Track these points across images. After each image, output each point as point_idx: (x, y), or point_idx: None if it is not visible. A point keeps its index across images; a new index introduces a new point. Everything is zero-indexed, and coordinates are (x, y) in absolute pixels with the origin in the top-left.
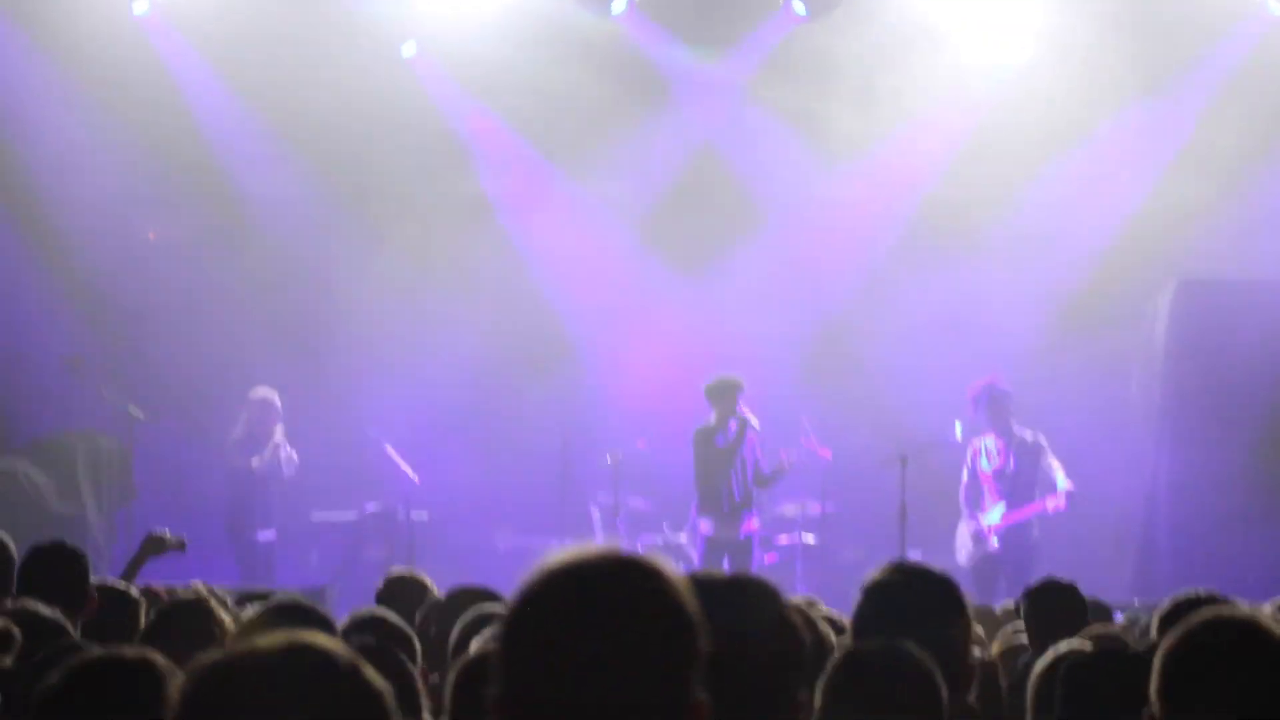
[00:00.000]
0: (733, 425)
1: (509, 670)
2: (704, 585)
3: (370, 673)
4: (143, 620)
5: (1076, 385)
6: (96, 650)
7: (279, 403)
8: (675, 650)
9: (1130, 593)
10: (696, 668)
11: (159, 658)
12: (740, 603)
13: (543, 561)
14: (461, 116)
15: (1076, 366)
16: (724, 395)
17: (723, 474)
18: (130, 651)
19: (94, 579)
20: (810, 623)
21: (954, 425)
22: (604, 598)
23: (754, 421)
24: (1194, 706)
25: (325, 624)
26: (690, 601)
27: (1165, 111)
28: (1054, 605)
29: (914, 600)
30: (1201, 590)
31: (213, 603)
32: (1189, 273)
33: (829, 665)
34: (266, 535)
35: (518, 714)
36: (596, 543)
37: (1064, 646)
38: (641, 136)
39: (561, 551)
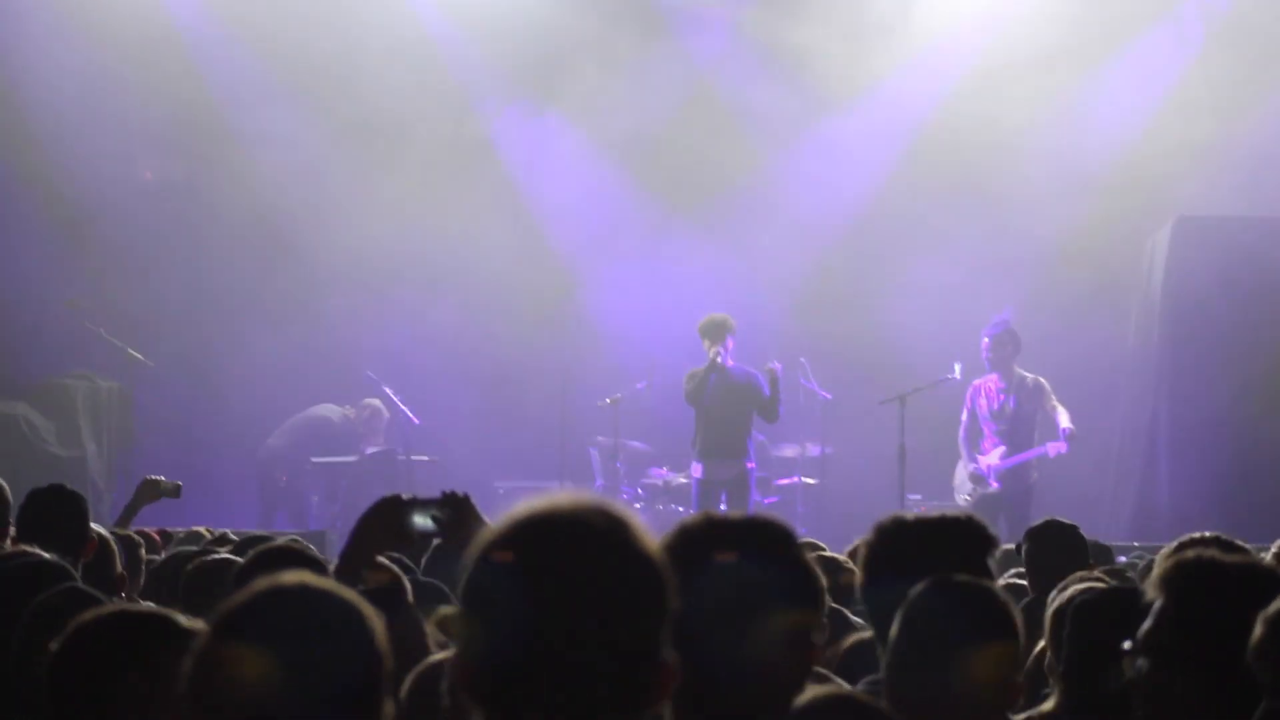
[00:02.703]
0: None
1: (469, 625)
2: (720, 527)
3: (369, 611)
4: (118, 565)
5: (1074, 326)
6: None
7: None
8: (642, 606)
9: (1130, 534)
10: (664, 625)
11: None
12: (756, 544)
13: (510, 510)
14: (458, 55)
15: (1075, 304)
16: (710, 334)
17: (710, 412)
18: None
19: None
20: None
21: (953, 365)
22: (570, 549)
23: (722, 366)
24: (1185, 654)
25: (318, 568)
26: (659, 555)
27: (1164, 46)
28: (1056, 546)
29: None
30: (1207, 532)
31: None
32: (1188, 209)
33: (911, 597)
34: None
35: (477, 672)
36: (587, 488)
37: (1078, 586)
38: (638, 74)
39: (531, 500)
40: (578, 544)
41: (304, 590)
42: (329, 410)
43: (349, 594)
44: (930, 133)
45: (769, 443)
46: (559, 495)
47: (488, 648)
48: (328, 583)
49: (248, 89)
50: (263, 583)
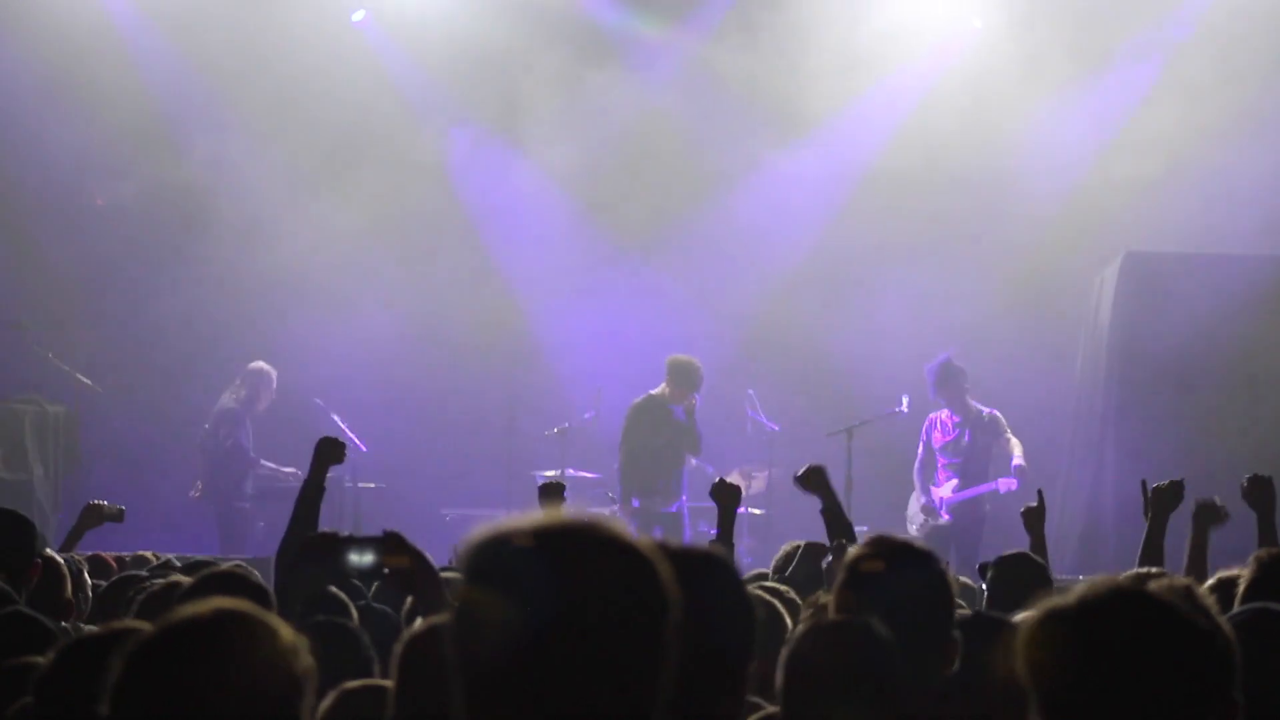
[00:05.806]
0: (680, 410)
1: (461, 647)
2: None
3: (288, 637)
4: (68, 589)
5: (1021, 359)
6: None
7: (274, 378)
8: (641, 630)
9: (1076, 568)
10: (666, 650)
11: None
12: (694, 574)
13: (497, 526)
14: (410, 81)
15: (1022, 340)
16: (680, 380)
17: (669, 449)
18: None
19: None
20: (759, 598)
21: (901, 398)
22: (590, 542)
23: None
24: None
25: (260, 594)
26: (662, 574)
27: (1115, 84)
28: (1019, 579)
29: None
30: (1153, 569)
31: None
32: (1136, 244)
33: (789, 641)
34: (244, 504)
35: (475, 689)
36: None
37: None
38: (591, 104)
39: (515, 518)
40: (598, 539)
41: (220, 616)
42: (224, 400)
43: (271, 618)
44: (881, 167)
45: (715, 474)
46: (547, 514)
47: (505, 628)
48: (250, 607)
49: (200, 113)
50: (182, 611)
